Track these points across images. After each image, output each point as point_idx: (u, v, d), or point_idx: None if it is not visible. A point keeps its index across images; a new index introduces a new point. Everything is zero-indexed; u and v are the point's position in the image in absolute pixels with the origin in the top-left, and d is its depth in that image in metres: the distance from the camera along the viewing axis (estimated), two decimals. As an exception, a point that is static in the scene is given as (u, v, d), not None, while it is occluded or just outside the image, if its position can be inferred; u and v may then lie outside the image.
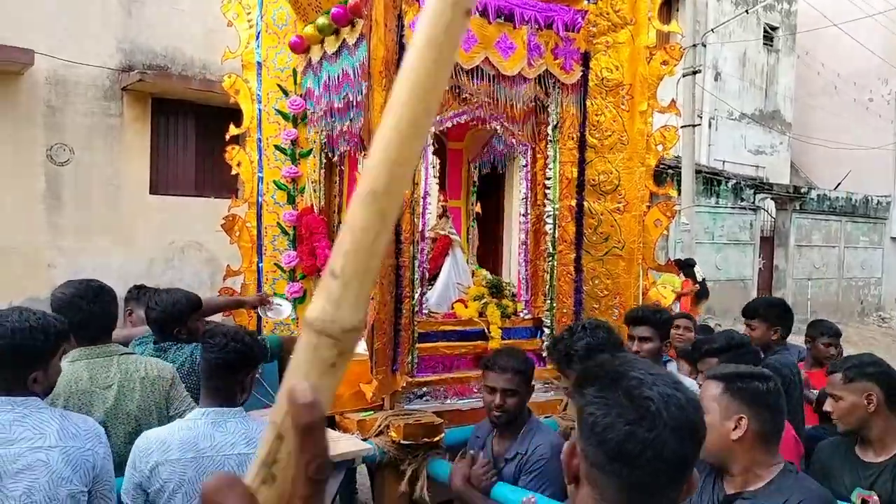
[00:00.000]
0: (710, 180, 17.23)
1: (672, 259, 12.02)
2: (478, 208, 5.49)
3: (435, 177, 4.94)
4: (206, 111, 9.88)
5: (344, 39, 4.10)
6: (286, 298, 4.63)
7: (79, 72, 9.60)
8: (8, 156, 9.35)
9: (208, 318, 4.20)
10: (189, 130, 10.45)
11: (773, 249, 19.17)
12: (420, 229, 4.02)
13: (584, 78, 4.35)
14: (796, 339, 5.40)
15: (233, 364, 2.72)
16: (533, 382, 3.27)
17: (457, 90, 4.12)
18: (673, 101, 4.42)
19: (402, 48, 3.68)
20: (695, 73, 14.67)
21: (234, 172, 4.78)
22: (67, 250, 9.48)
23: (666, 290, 4.41)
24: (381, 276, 3.58)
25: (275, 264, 4.72)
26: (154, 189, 10.11)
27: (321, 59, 4.34)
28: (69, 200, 9.62)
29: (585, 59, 4.35)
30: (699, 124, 15.99)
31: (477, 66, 3.99)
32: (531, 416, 3.28)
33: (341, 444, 3.55)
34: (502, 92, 4.14)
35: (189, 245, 10.21)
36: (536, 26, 4.15)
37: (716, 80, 19.31)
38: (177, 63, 10.24)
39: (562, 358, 2.89)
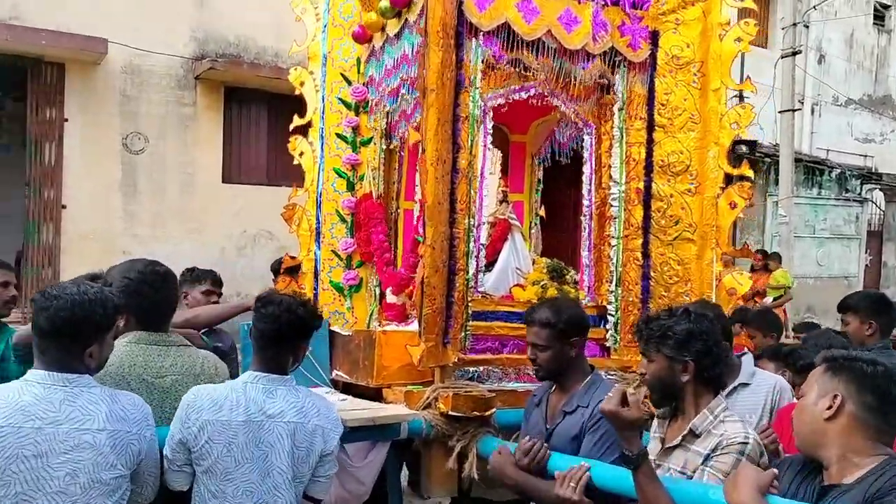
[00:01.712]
0: (812, 170, 16.67)
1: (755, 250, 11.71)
2: (542, 211, 5.48)
3: (493, 164, 4.96)
4: (278, 100, 10.14)
5: (406, 19, 4.16)
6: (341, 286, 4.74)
7: (153, 61, 10.02)
8: (86, 145, 9.85)
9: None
10: (261, 119, 10.77)
11: (882, 244, 18.41)
12: (478, 205, 4.04)
13: (653, 56, 4.29)
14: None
15: (285, 335, 2.80)
16: (575, 338, 3.12)
17: (517, 63, 4.14)
18: (748, 77, 4.32)
19: (460, 10, 3.72)
20: (794, 53, 14.17)
21: (296, 162, 4.91)
22: (142, 238, 9.94)
23: (742, 277, 4.28)
24: (433, 241, 3.61)
25: (332, 251, 4.81)
26: (226, 178, 10.47)
27: (384, 43, 4.41)
28: (144, 189, 10.07)
29: (654, 38, 4.29)
30: (799, 109, 15.44)
31: (539, 39, 3.98)
32: (595, 371, 3.19)
33: (388, 409, 3.61)
34: (565, 67, 4.13)
35: (260, 234, 10.53)
36: (602, 2, 4.13)
37: (819, 63, 18.63)
38: (249, 51, 10.56)
39: (654, 337, 2.68)
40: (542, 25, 3.94)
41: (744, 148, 14.40)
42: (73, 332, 2.38)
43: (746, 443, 2.51)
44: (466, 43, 3.81)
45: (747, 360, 3.62)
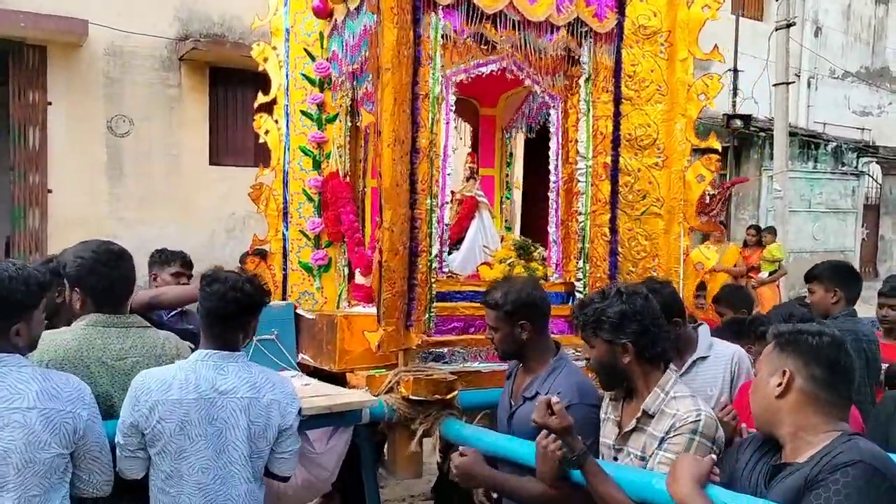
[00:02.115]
0: (808, 143, 16.55)
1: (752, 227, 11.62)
2: (518, 183, 5.41)
3: (460, 139, 4.89)
4: (264, 80, 10.03)
5: (362, -6, 4.07)
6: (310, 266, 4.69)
7: (136, 42, 9.90)
8: (70, 128, 9.77)
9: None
10: (248, 99, 10.54)
11: (879, 218, 18.29)
12: (440, 184, 3.97)
13: (619, 26, 4.19)
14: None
15: (232, 313, 2.76)
16: (524, 321, 3.06)
17: (479, 38, 4.05)
18: (716, 46, 4.21)
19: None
20: (788, 25, 13.98)
21: (261, 141, 4.84)
22: (129, 221, 9.87)
23: (709, 251, 4.22)
24: (391, 224, 3.55)
25: (300, 231, 4.76)
26: (213, 159, 10.39)
27: (345, 17, 4.32)
28: (130, 172, 10.00)
29: (620, 6, 4.18)
30: (794, 82, 15.27)
31: (501, 12, 3.88)
32: (560, 353, 3.11)
33: (346, 396, 3.56)
34: (529, 40, 4.04)
35: (250, 215, 10.42)
36: (565, -29, 4.03)
37: (816, 35, 18.44)
38: (234, 31, 10.43)
39: (589, 323, 2.64)
40: (504, -3, 3.85)
41: (738, 122, 14.28)
42: None
43: (699, 420, 2.46)
44: (424, 18, 3.72)
45: (703, 331, 3.54)
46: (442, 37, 3.80)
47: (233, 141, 10.63)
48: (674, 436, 2.47)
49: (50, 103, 9.75)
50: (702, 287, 4.96)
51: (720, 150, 4.44)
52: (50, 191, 9.77)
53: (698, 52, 4.20)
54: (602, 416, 2.82)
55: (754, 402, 2.21)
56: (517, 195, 5.54)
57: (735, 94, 14.90)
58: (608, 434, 2.72)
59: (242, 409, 2.69)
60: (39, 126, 9.76)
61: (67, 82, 9.77)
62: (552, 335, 3.76)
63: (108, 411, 2.73)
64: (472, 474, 2.92)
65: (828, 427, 2.04)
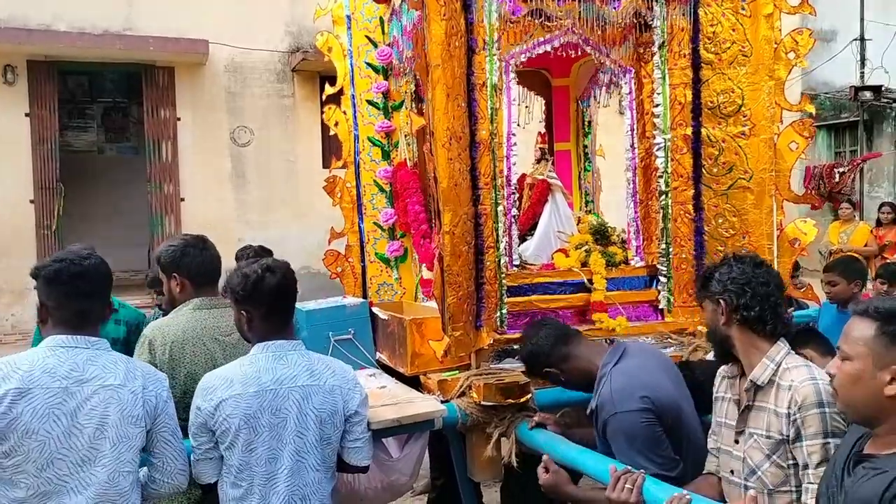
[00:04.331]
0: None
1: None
2: (601, 150, 4.91)
3: (530, 113, 4.47)
4: (371, 84, 10.00)
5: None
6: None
7: (253, 58, 10.15)
8: (198, 141, 10.11)
9: None
10: (356, 104, 10.66)
11: None
12: (505, 174, 3.60)
13: (695, -17, 3.68)
14: None
15: (284, 298, 2.68)
16: (546, 369, 2.99)
17: (538, 14, 3.64)
18: (806, -7, 3.61)
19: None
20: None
21: (332, 133, 4.62)
22: (253, 224, 10.11)
23: (807, 226, 3.64)
24: (452, 226, 3.23)
25: (374, 223, 4.52)
26: (326, 163, 10.42)
27: (402, 0, 4.02)
28: (252, 178, 10.26)
29: (695, -38, 3.67)
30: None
31: (560, -17, 3.48)
32: (605, 365, 2.81)
33: (415, 405, 3.30)
34: (593, 10, 3.60)
35: (363, 215, 10.44)
36: (629, -71, 3.56)
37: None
38: (341, 39, 10.42)
39: (700, 285, 2.53)
40: (563, -33, 3.44)
41: (867, 94, 13.01)
42: (93, 292, 2.37)
43: (819, 390, 2.17)
44: (476, 2, 3.36)
45: None
46: (497, 19, 3.43)
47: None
48: (804, 416, 2.18)
49: (179, 119, 10.10)
50: (797, 266, 4.34)
51: (814, 113, 3.81)
52: (182, 199, 10.11)
53: (785, 4, 3.62)
54: (716, 394, 2.58)
55: (852, 393, 1.84)
56: (600, 164, 5.02)
57: (863, 65, 13.57)
58: (729, 414, 2.46)
59: (304, 396, 2.59)
60: (171, 140, 10.12)
61: (193, 99, 10.08)
62: (632, 325, 3.66)
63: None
64: (560, 492, 2.73)
65: None
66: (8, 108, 9.41)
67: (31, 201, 9.58)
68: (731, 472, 2.39)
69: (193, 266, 3.00)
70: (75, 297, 2.31)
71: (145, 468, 2.48)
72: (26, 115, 9.51)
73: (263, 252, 4.62)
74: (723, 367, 2.56)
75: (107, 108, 12.44)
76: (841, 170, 13.09)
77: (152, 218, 10.14)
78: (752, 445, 2.30)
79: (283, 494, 2.54)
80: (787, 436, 2.21)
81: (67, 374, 2.24)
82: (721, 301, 2.40)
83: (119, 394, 2.30)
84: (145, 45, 9.59)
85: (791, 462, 2.21)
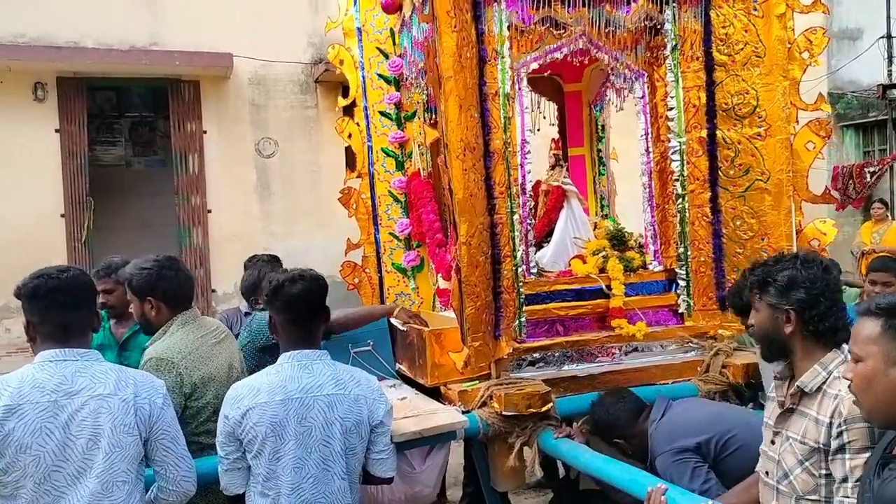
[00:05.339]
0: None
1: None
2: (615, 154, 4.83)
3: (543, 118, 4.40)
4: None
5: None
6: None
7: (276, 70, 10.15)
8: (224, 153, 10.12)
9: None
10: (379, 115, 10.63)
11: None
12: (520, 182, 3.54)
13: (706, -15, 3.60)
14: None
15: (309, 308, 2.69)
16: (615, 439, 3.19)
17: (549, 21, 3.58)
18: (820, -9, 3.52)
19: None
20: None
21: (345, 145, 4.60)
22: (278, 235, 10.10)
23: (826, 226, 3.53)
24: (468, 237, 3.18)
25: (390, 234, 4.49)
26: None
27: (412, 12, 3.98)
28: (277, 190, 10.26)
29: (706, -37, 3.59)
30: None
31: (570, -10, 3.42)
32: (652, 422, 3.09)
33: (436, 417, 3.27)
34: (603, 15, 3.54)
35: (386, 226, 10.41)
36: (641, -68, 3.49)
37: None
38: (362, 50, 10.40)
39: (756, 284, 2.34)
40: (573, -27, 3.38)
41: (895, 92, 12.72)
42: (79, 303, 2.37)
43: None
44: (486, 13, 3.32)
45: None
46: (507, 28, 3.39)
47: (368, 155, 10.64)
48: (850, 429, 2.03)
49: (205, 132, 10.12)
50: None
51: (830, 112, 3.71)
52: (209, 211, 10.13)
53: (797, 3, 3.53)
54: (768, 393, 2.49)
55: (873, 395, 1.78)
56: (614, 168, 4.94)
57: (891, 63, 13.26)
58: (772, 414, 2.37)
59: (329, 405, 2.58)
60: (198, 153, 10.15)
61: (218, 111, 10.11)
62: (651, 330, 3.70)
63: (229, 372, 2.97)
64: None
65: None
66: (38, 124, 9.50)
67: (62, 215, 9.65)
68: (766, 472, 2.32)
69: (171, 290, 2.96)
70: (56, 310, 2.31)
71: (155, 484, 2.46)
72: (56, 130, 9.59)
73: (273, 261, 4.60)
74: (774, 367, 2.44)
75: (134, 122, 12.52)
76: (871, 169, 12.83)
77: (180, 230, 10.18)
78: (787, 449, 2.22)
79: (309, 503, 2.54)
80: (824, 445, 2.11)
81: (56, 388, 2.24)
82: (791, 312, 2.22)
83: (109, 403, 2.29)
84: (171, 60, 9.62)
85: (824, 472, 2.11)
